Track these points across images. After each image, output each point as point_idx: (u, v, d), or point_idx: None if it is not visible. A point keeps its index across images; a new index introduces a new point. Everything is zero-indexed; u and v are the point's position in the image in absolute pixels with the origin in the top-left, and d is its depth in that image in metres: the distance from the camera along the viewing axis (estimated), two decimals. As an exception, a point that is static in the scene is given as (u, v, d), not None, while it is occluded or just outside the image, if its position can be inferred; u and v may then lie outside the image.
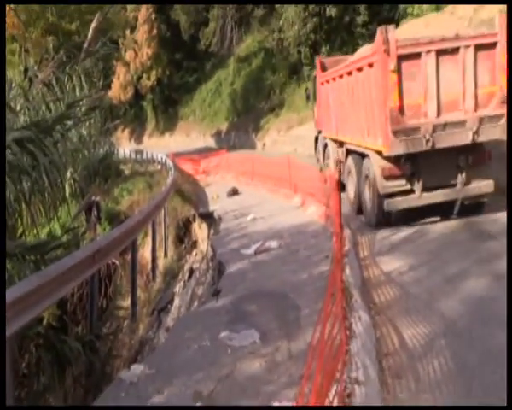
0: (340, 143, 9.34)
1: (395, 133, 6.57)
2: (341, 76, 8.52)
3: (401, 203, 7.12)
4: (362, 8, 19.85)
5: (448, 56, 6.56)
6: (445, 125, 6.70)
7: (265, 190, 12.57)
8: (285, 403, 3.29)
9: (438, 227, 7.40)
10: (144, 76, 36.03)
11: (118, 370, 4.87)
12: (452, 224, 7.48)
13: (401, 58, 6.43)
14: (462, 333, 4.22)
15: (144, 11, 34.56)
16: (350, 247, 6.36)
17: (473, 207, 7.39)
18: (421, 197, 7.04)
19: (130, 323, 6.09)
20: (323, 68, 10.49)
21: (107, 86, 33.07)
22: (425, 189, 7.02)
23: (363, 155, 7.84)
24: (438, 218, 7.50)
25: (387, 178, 7.03)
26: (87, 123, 7.96)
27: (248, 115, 27.51)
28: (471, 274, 5.51)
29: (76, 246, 5.85)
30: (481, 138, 6.79)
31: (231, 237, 8.31)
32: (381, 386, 3.45)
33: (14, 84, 6.94)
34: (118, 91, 36.45)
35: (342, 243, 5.78)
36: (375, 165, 7.18)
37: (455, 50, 6.56)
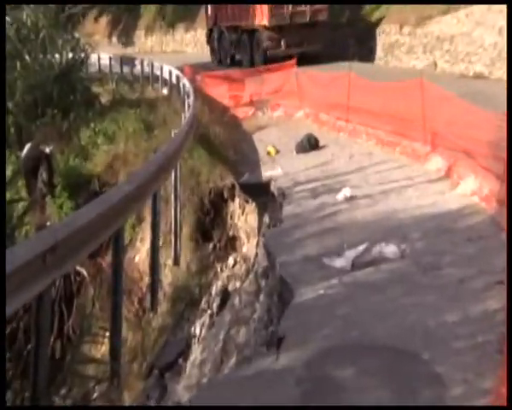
0: (235, 28, 17.58)
1: (272, 16, 15.62)
2: None
3: (277, 54, 15.37)
4: None
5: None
6: (297, 13, 15.74)
7: (373, 142, 7.96)
8: None
9: None
10: None
11: None
12: None
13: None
14: None
15: None
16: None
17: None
18: (284, 51, 15.38)
19: (107, 389, 3.36)
20: None
21: None
22: (287, 47, 15.60)
23: (254, 31, 16.49)
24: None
25: (269, 40, 15.81)
26: (31, 6, 4.92)
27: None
28: None
29: (10, 238, 4.09)
30: (314, 19, 15.97)
31: (304, 232, 5.19)
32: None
33: None
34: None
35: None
36: (264, 34, 16.02)
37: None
